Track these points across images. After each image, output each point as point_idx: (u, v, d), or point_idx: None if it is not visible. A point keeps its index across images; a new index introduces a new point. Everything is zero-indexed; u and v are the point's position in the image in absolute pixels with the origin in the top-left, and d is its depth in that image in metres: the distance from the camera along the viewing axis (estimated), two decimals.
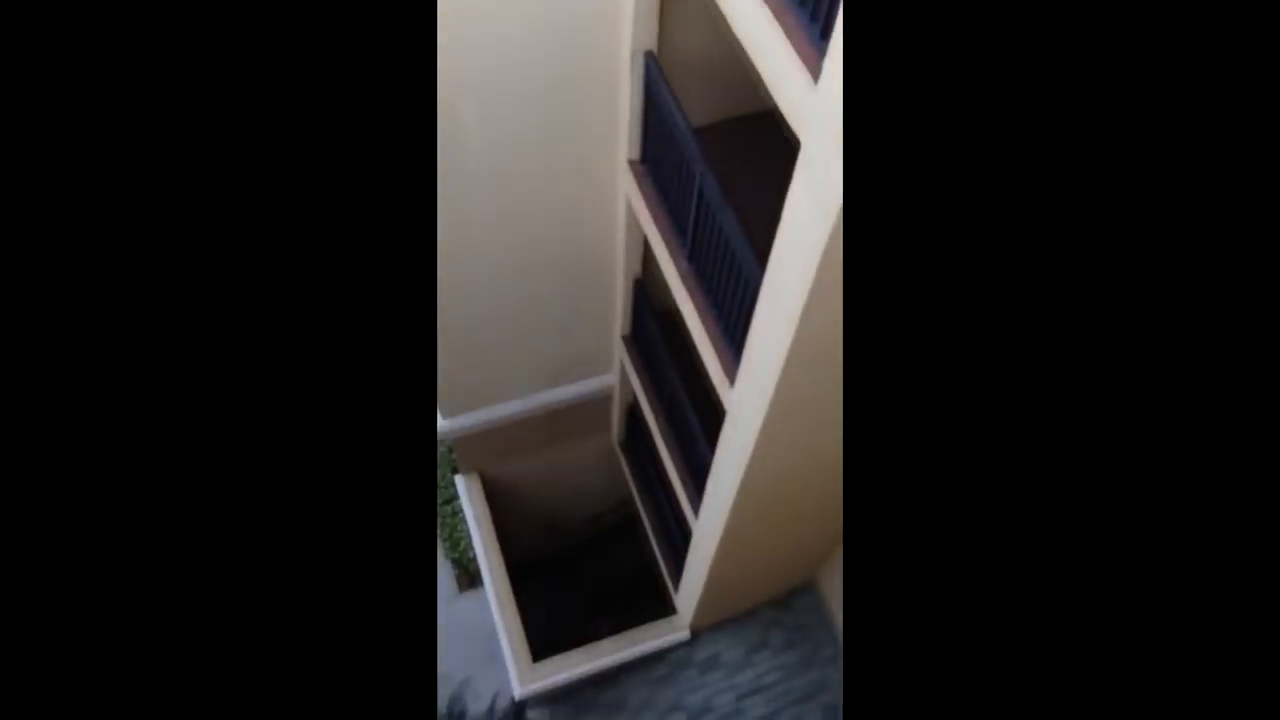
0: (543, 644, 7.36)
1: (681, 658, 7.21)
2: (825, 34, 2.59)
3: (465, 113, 4.36)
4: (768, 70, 2.95)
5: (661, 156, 4.55)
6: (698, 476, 5.63)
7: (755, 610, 7.26)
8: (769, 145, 4.56)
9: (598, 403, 7.53)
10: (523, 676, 7.05)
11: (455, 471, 8.26)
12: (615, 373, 7.17)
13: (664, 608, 7.55)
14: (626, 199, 5.17)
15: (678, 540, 7.06)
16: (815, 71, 2.62)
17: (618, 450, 8.42)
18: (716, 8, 3.28)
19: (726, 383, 4.28)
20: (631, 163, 4.92)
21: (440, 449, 10.16)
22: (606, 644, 7.21)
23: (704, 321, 4.42)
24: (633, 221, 5.27)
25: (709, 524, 5.52)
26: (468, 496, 7.98)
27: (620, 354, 6.79)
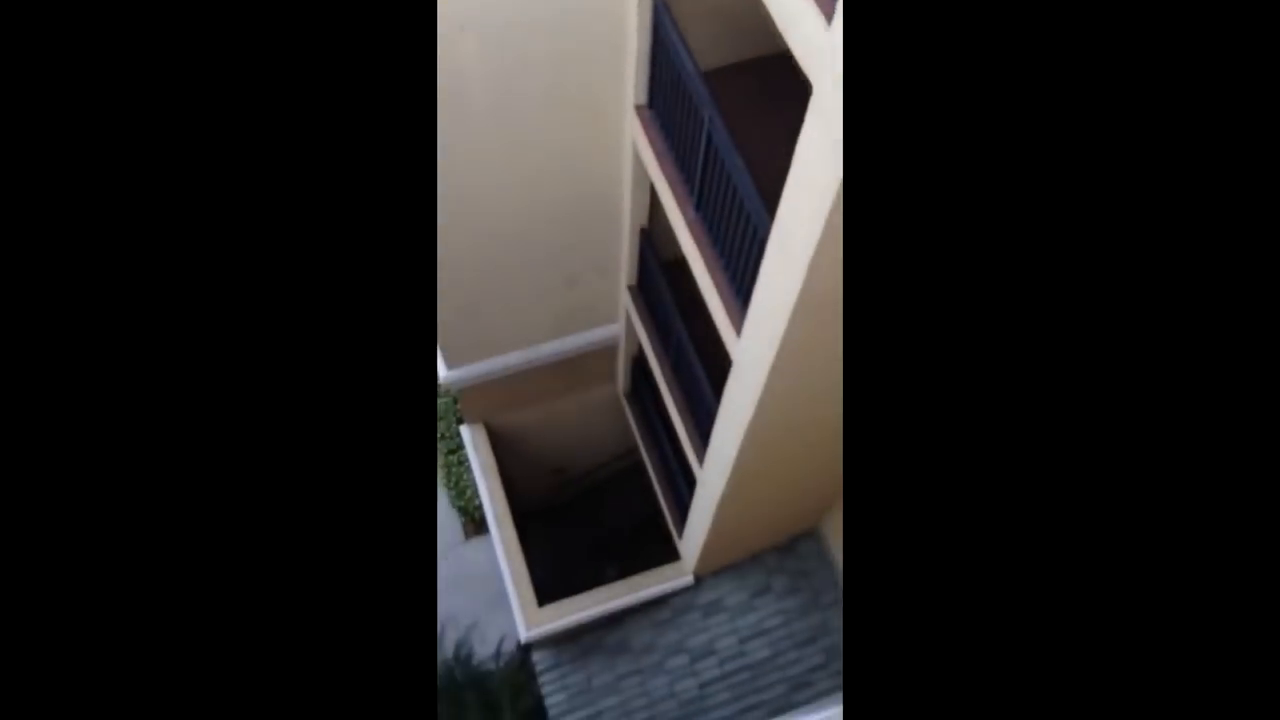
0: (548, 590, 7.50)
1: (685, 602, 7.35)
2: None
3: (467, 54, 4.27)
4: (779, 10, 2.87)
5: (669, 101, 4.47)
6: (703, 426, 5.66)
7: (758, 556, 7.38)
8: (780, 90, 4.47)
9: (603, 353, 7.54)
10: (528, 620, 7.21)
11: (460, 422, 8.31)
12: (621, 323, 7.16)
13: (668, 554, 7.68)
14: (633, 145, 5.09)
15: (682, 488, 7.14)
16: (828, 12, 2.55)
17: (623, 400, 8.45)
18: None
19: (733, 333, 4.26)
20: (639, 108, 4.83)
21: (445, 399, 10.24)
22: (611, 589, 7.35)
23: (711, 271, 4.39)
24: (639, 169, 5.20)
25: (713, 473, 5.57)
26: (473, 446, 8.05)
27: (626, 304, 6.77)
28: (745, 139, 3.81)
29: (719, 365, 4.82)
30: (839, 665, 6.93)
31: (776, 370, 3.83)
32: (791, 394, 4.18)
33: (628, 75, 4.72)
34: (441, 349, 6.77)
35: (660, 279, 5.86)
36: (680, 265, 5.03)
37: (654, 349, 6.40)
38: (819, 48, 2.64)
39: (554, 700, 7.26)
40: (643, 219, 5.83)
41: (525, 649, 7.64)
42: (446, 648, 8.54)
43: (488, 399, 7.64)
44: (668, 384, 6.29)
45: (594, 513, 9.93)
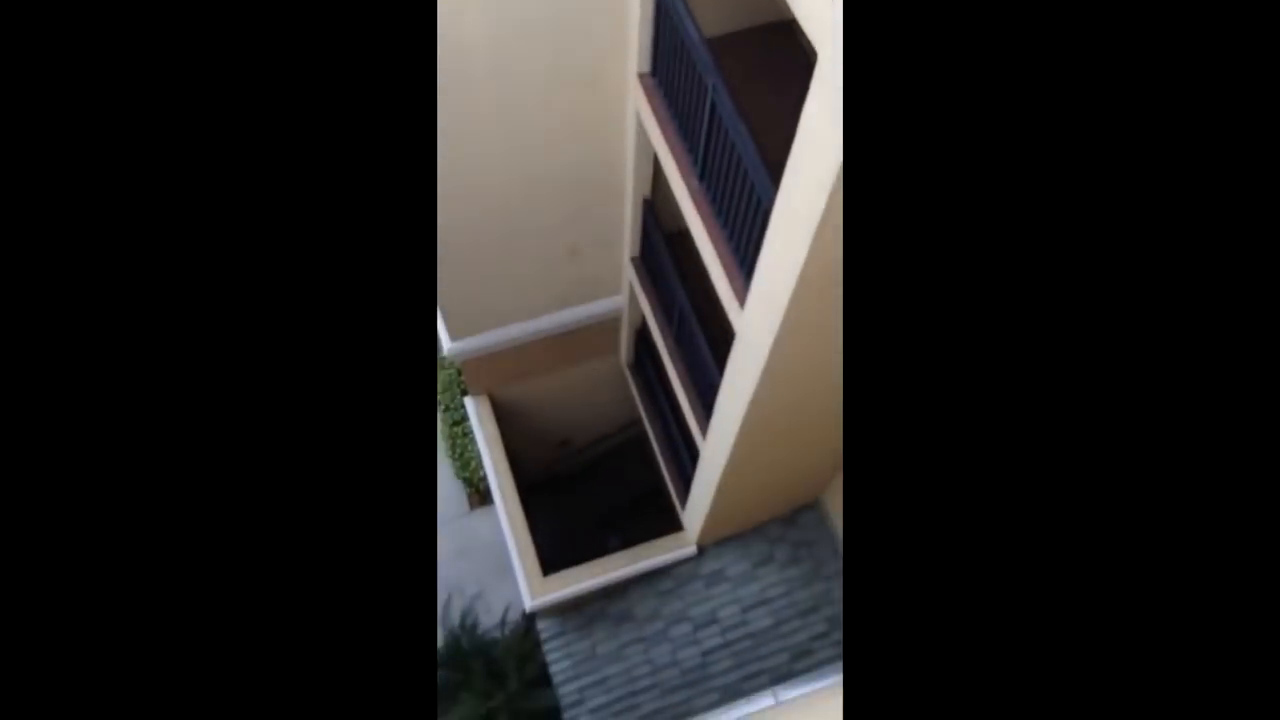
0: (552, 560, 7.57)
1: (688, 572, 7.42)
2: None
3: (468, 21, 4.21)
4: None
5: (672, 69, 4.40)
6: (705, 398, 5.66)
7: (761, 527, 7.42)
8: (785, 57, 4.40)
9: (607, 325, 7.53)
10: (533, 590, 7.28)
11: (464, 393, 8.33)
12: (624, 295, 7.14)
13: (671, 525, 7.73)
14: (636, 114, 5.03)
15: (685, 460, 7.16)
16: None
17: (626, 372, 8.46)
18: None
19: (737, 305, 4.25)
20: (641, 76, 4.76)
21: (449, 371, 10.26)
22: (614, 559, 7.41)
23: (715, 242, 4.36)
24: (642, 138, 5.14)
25: (716, 445, 5.58)
26: (477, 418, 8.08)
27: (629, 276, 6.74)
28: (749, 107, 3.76)
29: (722, 337, 4.81)
30: (840, 634, 7.00)
31: (780, 342, 3.82)
32: (795, 366, 4.17)
33: (630, 42, 4.65)
34: (445, 321, 6.77)
35: (663, 250, 5.83)
36: (683, 236, 5.00)
37: (657, 321, 6.38)
38: (824, 14, 2.59)
39: (558, 668, 7.36)
40: (645, 189, 5.78)
41: (530, 618, 7.73)
42: (453, 617, 8.65)
43: (492, 371, 7.65)
44: (671, 356, 6.28)
45: (597, 484, 9.99)
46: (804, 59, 2.86)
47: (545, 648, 7.47)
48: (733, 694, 6.96)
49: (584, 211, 6.01)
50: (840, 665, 6.70)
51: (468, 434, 9.92)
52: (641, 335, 7.57)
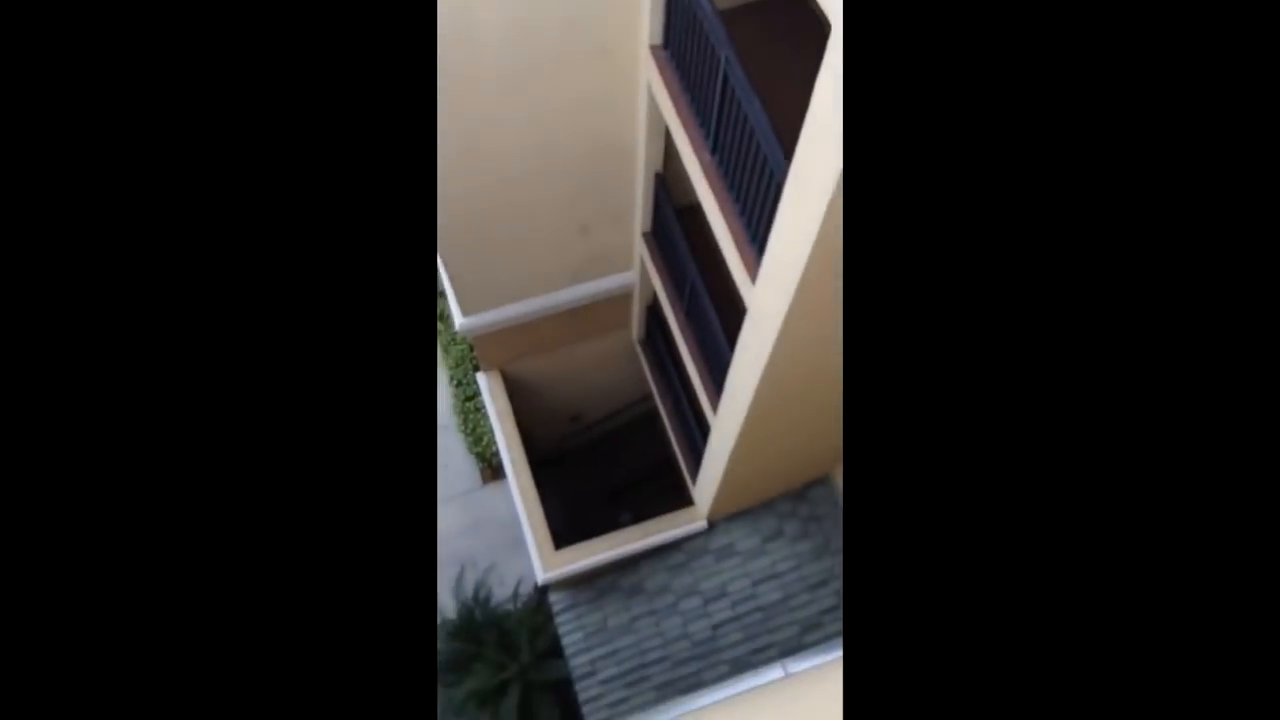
0: (564, 534, 7.64)
1: (698, 546, 7.47)
2: None
3: None
4: None
5: (685, 42, 4.36)
6: (717, 374, 5.67)
7: (771, 502, 7.46)
8: (799, 29, 4.34)
9: (618, 300, 7.53)
10: (545, 563, 7.36)
11: (477, 369, 8.37)
12: (636, 270, 7.12)
13: (682, 500, 7.78)
14: (648, 87, 4.99)
15: (696, 435, 7.19)
16: None
17: (638, 348, 8.47)
18: None
19: (748, 280, 4.23)
20: (653, 48, 4.72)
21: (461, 346, 10.29)
22: (626, 533, 7.47)
23: (726, 217, 4.34)
24: (654, 112, 5.10)
25: (727, 420, 5.59)
26: (489, 393, 8.12)
27: (641, 251, 6.72)
28: (762, 80, 3.72)
29: (733, 313, 4.80)
30: None
31: (791, 318, 3.81)
32: (806, 342, 4.16)
33: (643, 15, 4.60)
34: (457, 296, 6.78)
35: (675, 225, 5.80)
36: (695, 211, 4.97)
37: (668, 296, 6.38)
38: None
39: (570, 640, 7.46)
40: (657, 164, 5.75)
41: (542, 591, 7.82)
42: (466, 589, 8.76)
43: (504, 346, 7.67)
44: (682, 332, 6.28)
45: (609, 459, 10.04)
46: (817, 26, 2.82)
47: (557, 620, 7.56)
48: (742, 666, 7.03)
49: (595, 185, 5.99)
50: None
51: (480, 409, 9.98)
52: (653, 310, 7.57)
